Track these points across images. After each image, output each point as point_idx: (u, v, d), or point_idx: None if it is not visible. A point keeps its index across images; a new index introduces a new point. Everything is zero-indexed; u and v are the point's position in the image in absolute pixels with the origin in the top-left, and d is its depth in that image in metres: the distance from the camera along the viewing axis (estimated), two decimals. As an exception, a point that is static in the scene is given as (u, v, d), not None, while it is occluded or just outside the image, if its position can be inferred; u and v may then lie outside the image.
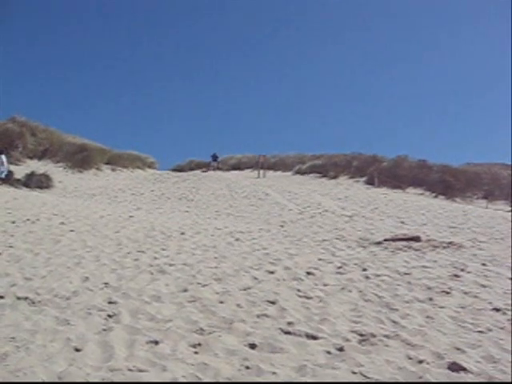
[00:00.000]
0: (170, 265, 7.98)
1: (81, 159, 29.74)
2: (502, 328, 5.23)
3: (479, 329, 5.18)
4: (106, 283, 6.71)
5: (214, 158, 40.29)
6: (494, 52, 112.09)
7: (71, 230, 10.85)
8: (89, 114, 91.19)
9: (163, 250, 9.30)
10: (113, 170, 31.74)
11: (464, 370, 4.07)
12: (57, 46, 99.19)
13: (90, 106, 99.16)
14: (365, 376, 3.93)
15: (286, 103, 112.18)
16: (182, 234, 11.31)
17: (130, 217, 13.72)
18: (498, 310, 5.88)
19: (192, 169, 39.90)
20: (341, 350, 4.51)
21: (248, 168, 38.98)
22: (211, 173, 35.29)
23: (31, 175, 22.04)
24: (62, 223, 11.70)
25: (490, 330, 5.15)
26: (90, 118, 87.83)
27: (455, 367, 4.10)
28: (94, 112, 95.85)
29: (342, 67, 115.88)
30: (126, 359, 4.20)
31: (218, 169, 39.23)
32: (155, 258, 8.47)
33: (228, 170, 39.40)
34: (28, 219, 11.87)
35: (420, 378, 3.91)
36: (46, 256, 8.37)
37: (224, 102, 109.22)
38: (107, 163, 32.04)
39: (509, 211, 22.30)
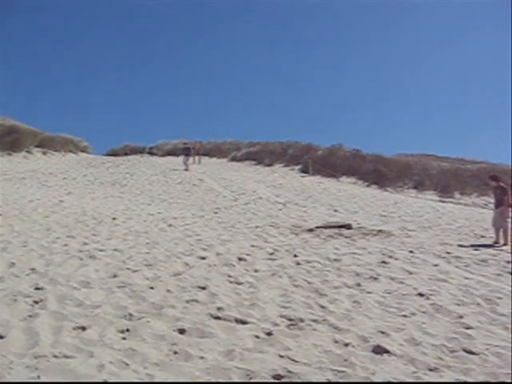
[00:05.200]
0: (101, 250, 7.86)
1: (10, 142, 28.63)
2: (424, 312, 5.43)
3: (403, 313, 5.37)
4: (32, 269, 6.55)
5: (187, 150, 28.87)
6: (430, 40, 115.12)
7: (-3, 215, 10.52)
8: (20, 95, 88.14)
9: (94, 235, 9.15)
10: (44, 153, 30.76)
11: (387, 352, 4.21)
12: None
13: (22, 87, 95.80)
14: (292, 360, 4.00)
15: (223, 91, 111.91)
16: (114, 219, 11.15)
17: (61, 201, 13.41)
18: (422, 295, 6.10)
19: (127, 153, 39.11)
20: (269, 334, 4.58)
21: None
22: (154, 160, 34.51)
23: (-44, 158, 21.19)
24: (-12, 207, 11.33)
25: (414, 314, 5.35)
26: (21, 100, 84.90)
27: (379, 350, 4.25)
28: (26, 93, 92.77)
29: (282, 55, 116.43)
30: (52, 345, 4.12)
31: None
32: (85, 244, 8.32)
33: (163, 155, 38.83)
34: (-49, 203, 11.43)
35: (345, 360, 4.01)
36: (-30, 241, 8.09)
37: (162, 87, 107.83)
38: (38, 146, 30.98)
39: (437, 201, 23.07)
